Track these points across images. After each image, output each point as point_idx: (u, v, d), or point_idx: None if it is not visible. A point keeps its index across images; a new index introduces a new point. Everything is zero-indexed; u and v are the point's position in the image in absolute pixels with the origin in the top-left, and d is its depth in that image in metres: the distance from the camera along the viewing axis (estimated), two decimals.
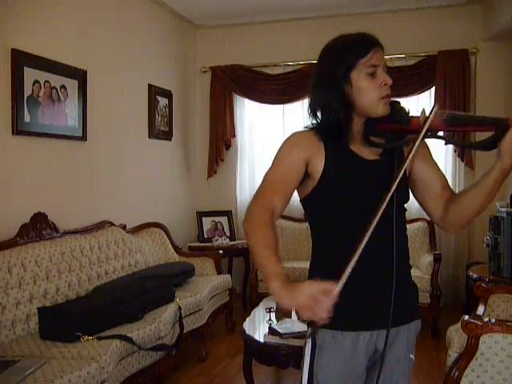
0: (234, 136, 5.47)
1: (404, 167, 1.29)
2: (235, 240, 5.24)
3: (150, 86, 4.71)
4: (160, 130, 4.92)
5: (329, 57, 1.41)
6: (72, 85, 3.63)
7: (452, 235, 4.92)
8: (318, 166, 1.38)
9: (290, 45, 5.28)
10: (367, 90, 1.36)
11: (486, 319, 2.21)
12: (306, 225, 4.77)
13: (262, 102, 5.37)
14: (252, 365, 2.95)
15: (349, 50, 1.37)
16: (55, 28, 3.49)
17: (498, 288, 2.89)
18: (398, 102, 1.44)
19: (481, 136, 1.35)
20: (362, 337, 1.39)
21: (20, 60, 3.14)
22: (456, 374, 2.20)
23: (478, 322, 2.15)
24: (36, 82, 3.29)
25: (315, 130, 1.43)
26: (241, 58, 5.38)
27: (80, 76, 3.70)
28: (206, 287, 3.84)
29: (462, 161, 4.82)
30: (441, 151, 4.91)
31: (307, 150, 1.39)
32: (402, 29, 5.01)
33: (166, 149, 5.05)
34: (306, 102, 5.20)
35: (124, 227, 4.05)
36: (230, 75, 5.37)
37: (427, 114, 1.33)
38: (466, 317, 2.20)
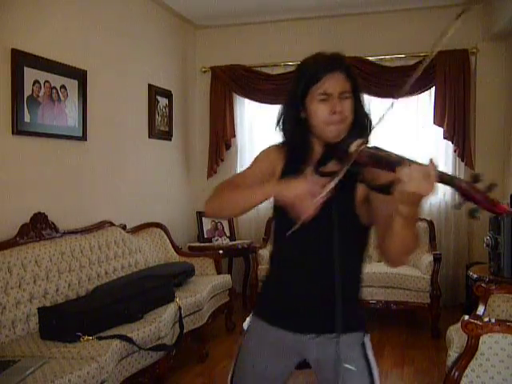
0: (234, 136, 5.47)
1: (323, 194, 1.25)
2: (235, 240, 5.24)
3: (149, 86, 4.71)
4: (160, 130, 4.92)
5: (293, 77, 1.46)
6: (72, 85, 3.63)
7: (452, 235, 4.93)
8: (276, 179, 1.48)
9: (290, 45, 5.27)
10: (315, 115, 1.38)
11: (486, 319, 2.21)
12: None
13: (261, 102, 5.36)
14: None
15: (304, 76, 1.40)
16: (55, 28, 3.49)
17: (498, 288, 2.89)
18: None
19: None
20: (285, 336, 1.45)
21: (20, 60, 3.14)
22: (456, 374, 2.20)
23: (478, 322, 2.15)
24: (36, 82, 3.29)
25: (283, 146, 1.50)
26: (241, 58, 5.38)
27: (80, 76, 3.70)
28: (206, 287, 3.83)
29: (462, 161, 4.82)
30: (441, 151, 4.91)
31: (271, 164, 1.50)
32: (402, 29, 5.01)
33: (165, 149, 5.05)
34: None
35: (124, 227, 4.05)
36: (230, 75, 5.37)
37: (358, 145, 1.28)
38: (466, 317, 2.20)
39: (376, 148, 1.31)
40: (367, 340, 1.47)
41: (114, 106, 4.19)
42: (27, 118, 3.22)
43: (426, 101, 4.99)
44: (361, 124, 1.41)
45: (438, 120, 4.82)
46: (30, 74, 3.23)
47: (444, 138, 4.83)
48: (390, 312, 4.45)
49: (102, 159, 4.02)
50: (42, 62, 3.33)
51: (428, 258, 4.34)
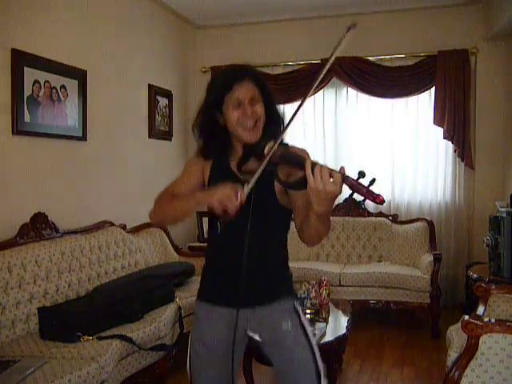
0: None
1: (248, 189, 1.41)
2: None
3: (150, 86, 4.71)
4: (160, 130, 4.92)
5: (208, 89, 1.65)
6: (72, 85, 3.63)
7: (452, 235, 4.93)
8: (207, 178, 1.69)
9: (290, 45, 5.28)
10: (230, 119, 1.57)
11: (486, 319, 2.21)
12: None
13: None
14: (252, 365, 2.95)
15: (217, 86, 1.61)
16: (55, 28, 3.49)
17: (498, 288, 2.88)
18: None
19: None
20: (226, 312, 1.64)
21: (20, 60, 3.14)
22: (456, 374, 2.20)
23: (478, 322, 2.15)
24: (36, 82, 3.29)
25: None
26: (241, 57, 5.30)
27: (80, 76, 3.70)
28: None
29: (462, 161, 4.81)
30: (441, 151, 4.90)
31: (200, 169, 1.71)
32: (402, 29, 5.01)
33: (165, 149, 5.05)
34: (305, 102, 5.20)
35: (124, 227, 4.05)
36: None
37: (271, 146, 1.41)
38: (466, 317, 2.20)
39: (286, 146, 1.51)
40: (296, 303, 1.70)
41: (114, 106, 4.19)
42: (27, 118, 3.22)
43: (425, 101, 4.99)
44: (275, 125, 1.57)
45: (438, 120, 4.82)
46: (29, 74, 3.23)
47: (444, 138, 4.82)
48: (389, 312, 4.44)
49: (102, 159, 4.01)
50: (42, 61, 3.33)
51: (428, 258, 4.34)
